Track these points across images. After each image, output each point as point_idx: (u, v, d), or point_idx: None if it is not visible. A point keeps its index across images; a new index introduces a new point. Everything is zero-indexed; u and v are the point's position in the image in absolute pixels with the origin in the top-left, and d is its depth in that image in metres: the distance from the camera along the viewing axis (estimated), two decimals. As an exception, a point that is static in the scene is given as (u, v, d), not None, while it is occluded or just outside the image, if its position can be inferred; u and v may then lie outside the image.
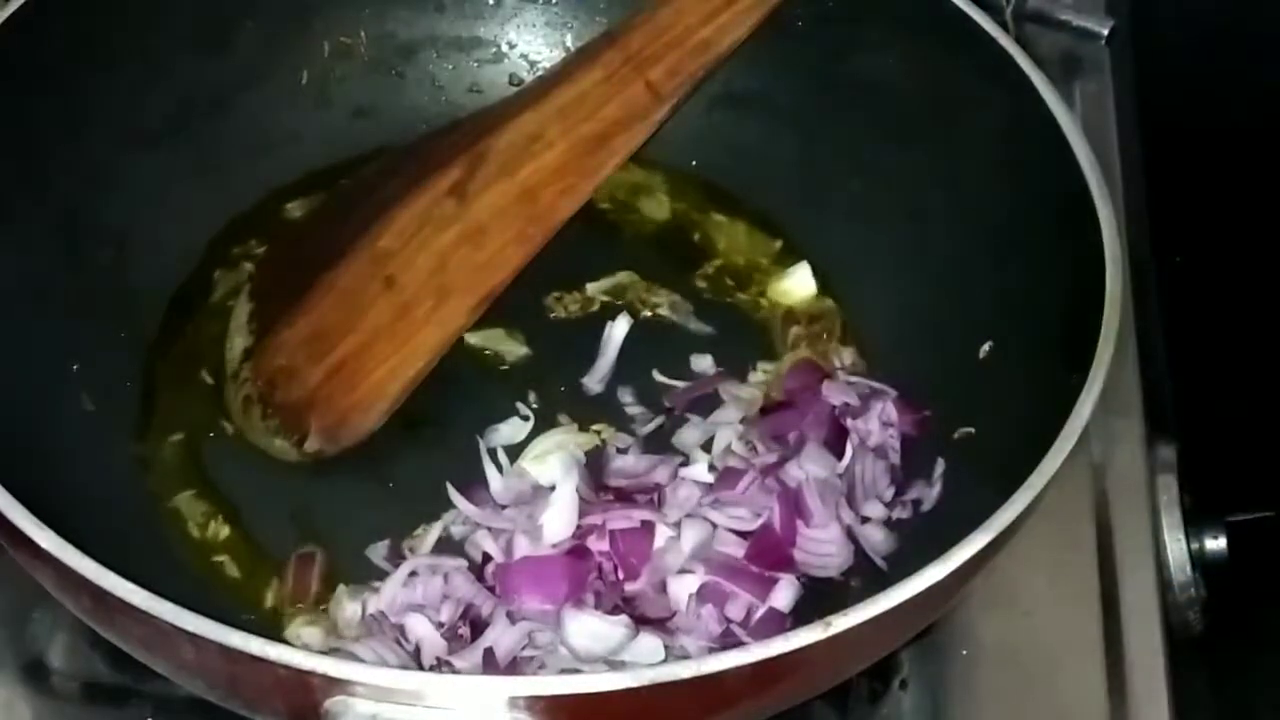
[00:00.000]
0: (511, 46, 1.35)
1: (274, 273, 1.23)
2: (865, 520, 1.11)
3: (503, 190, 1.19)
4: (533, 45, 1.35)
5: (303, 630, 1.07)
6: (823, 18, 1.26)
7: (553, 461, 1.13)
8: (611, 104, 1.20)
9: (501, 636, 1.03)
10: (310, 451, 1.15)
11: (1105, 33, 1.41)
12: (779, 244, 1.29)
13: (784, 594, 1.06)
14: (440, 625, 1.04)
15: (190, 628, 0.88)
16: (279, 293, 1.20)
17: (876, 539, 1.10)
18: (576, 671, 1.01)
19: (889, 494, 1.12)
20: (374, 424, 1.15)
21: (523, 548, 1.07)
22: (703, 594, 1.06)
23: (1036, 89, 1.15)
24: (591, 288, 1.26)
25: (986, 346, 1.15)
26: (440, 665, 1.02)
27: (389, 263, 1.18)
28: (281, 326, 1.18)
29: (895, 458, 1.13)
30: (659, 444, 1.16)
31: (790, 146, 1.29)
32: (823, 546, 1.09)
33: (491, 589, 1.06)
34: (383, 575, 1.08)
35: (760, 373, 1.21)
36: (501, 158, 1.20)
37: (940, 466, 1.12)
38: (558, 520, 1.07)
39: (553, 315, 1.25)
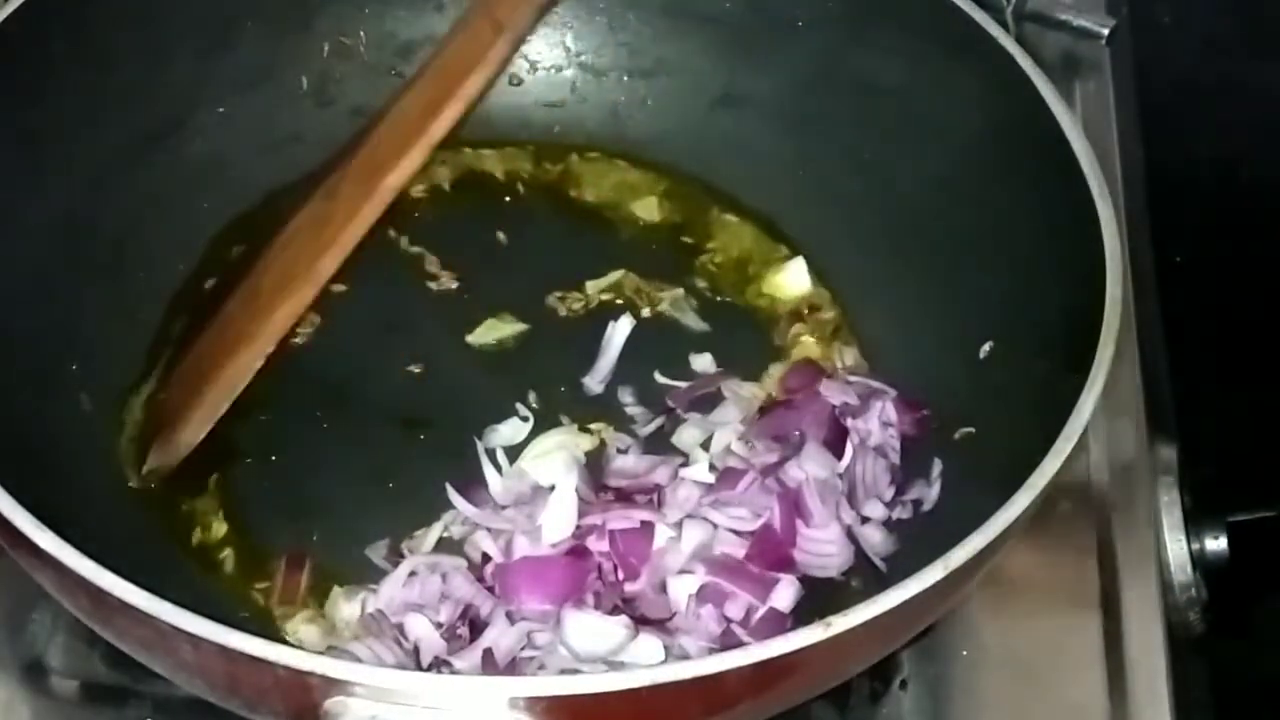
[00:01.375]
0: (511, 46, 1.36)
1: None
2: (865, 520, 1.11)
3: (355, 171, 1.22)
4: (533, 45, 1.35)
5: (301, 629, 1.07)
6: (823, 18, 1.26)
7: (552, 462, 1.13)
8: (455, 44, 1.24)
9: (501, 637, 1.03)
10: (151, 472, 1.14)
11: (1105, 32, 1.41)
12: (779, 243, 1.29)
13: (784, 594, 1.06)
14: (439, 625, 1.04)
15: (189, 628, 0.88)
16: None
17: (876, 539, 1.10)
18: (576, 672, 1.01)
19: (889, 494, 1.12)
20: (209, 424, 1.15)
21: (522, 548, 1.07)
22: (703, 594, 1.05)
23: (1036, 89, 1.15)
24: (591, 286, 1.26)
25: (987, 347, 1.15)
26: (439, 665, 1.02)
27: (262, 278, 1.20)
28: (180, 363, 1.18)
29: (895, 457, 1.13)
30: (659, 444, 1.16)
31: (790, 146, 1.29)
32: (823, 546, 1.09)
33: (491, 589, 1.06)
34: (382, 575, 1.08)
35: (770, 374, 1.21)
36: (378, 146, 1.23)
37: (939, 466, 1.12)
38: (557, 520, 1.07)
39: (554, 314, 1.24)
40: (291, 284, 1.18)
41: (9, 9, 1.14)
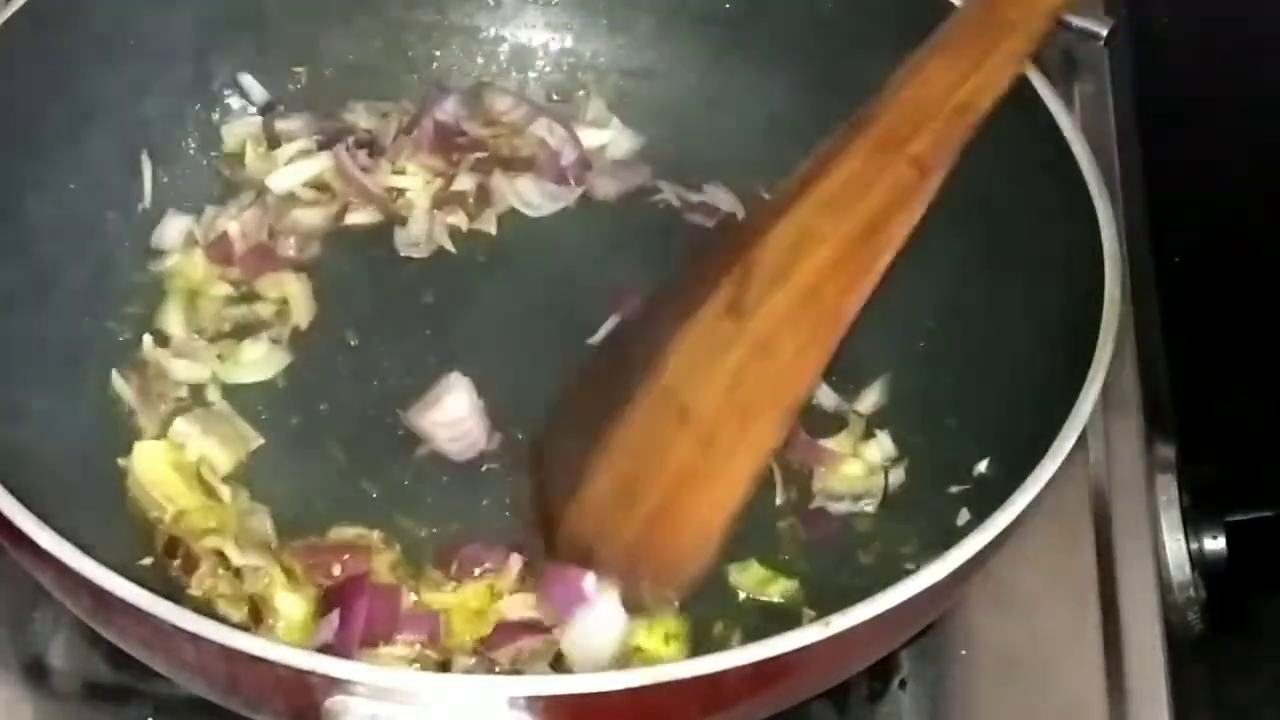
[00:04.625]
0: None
1: (555, 441, 1.16)
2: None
3: (782, 297, 1.11)
4: (534, 47, 1.35)
5: None
6: (821, 20, 1.26)
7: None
8: (876, 188, 1.12)
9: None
10: (653, 604, 1.08)
11: (1104, 33, 1.40)
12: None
13: None
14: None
15: (190, 627, 0.89)
16: (568, 454, 1.13)
17: None
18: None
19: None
20: (707, 564, 1.09)
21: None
22: None
23: (1036, 89, 1.15)
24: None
25: (983, 464, 1.13)
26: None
27: (678, 396, 1.10)
28: (582, 488, 1.11)
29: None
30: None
31: (788, 149, 1.29)
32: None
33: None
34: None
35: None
36: (772, 267, 1.11)
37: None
38: None
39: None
40: (755, 418, 1.09)
41: (11, 8, 1.14)
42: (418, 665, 1.04)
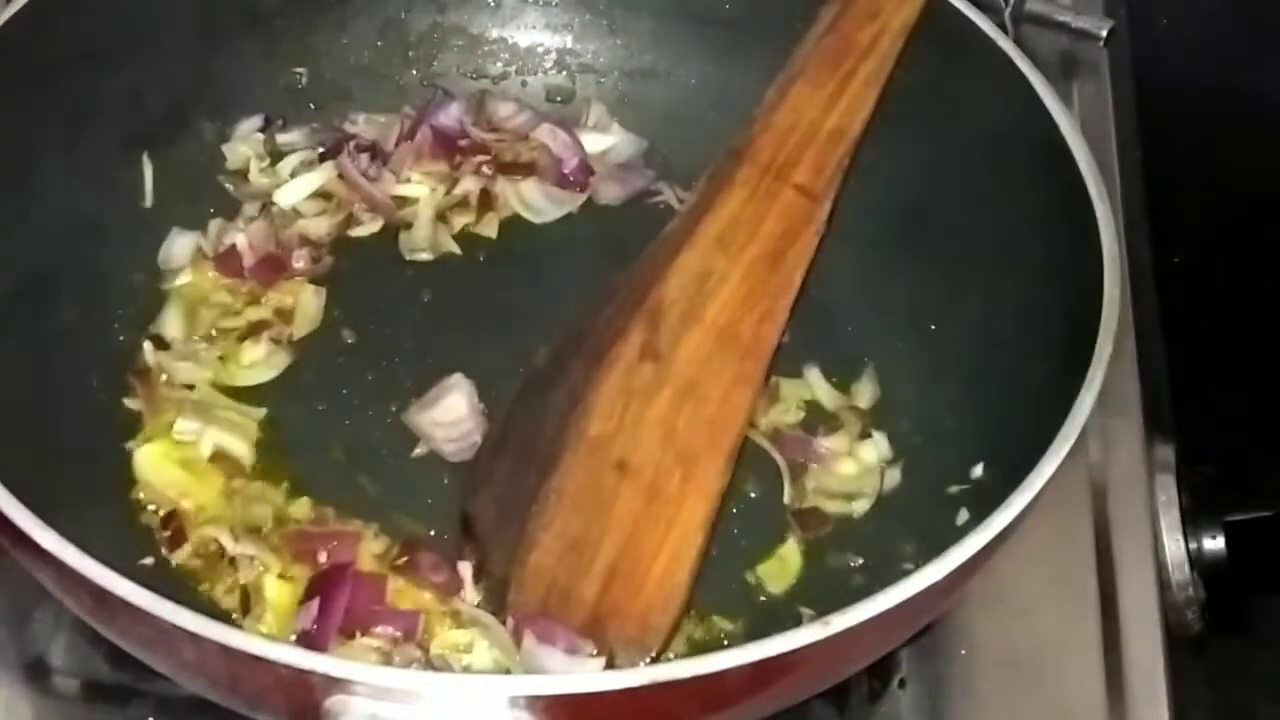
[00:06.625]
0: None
1: (487, 502, 1.11)
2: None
3: (698, 338, 1.12)
4: (534, 47, 1.35)
5: None
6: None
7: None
8: (769, 219, 1.14)
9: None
10: (630, 666, 1.03)
11: (1103, 34, 1.41)
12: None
13: None
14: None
15: (190, 627, 0.89)
16: (503, 520, 1.09)
17: None
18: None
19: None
20: (676, 618, 1.05)
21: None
22: None
23: (1035, 90, 1.15)
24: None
25: (979, 468, 1.13)
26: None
27: (611, 448, 1.08)
28: (526, 553, 1.06)
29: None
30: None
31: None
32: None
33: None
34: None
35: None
36: (679, 306, 1.13)
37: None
38: None
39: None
40: (698, 463, 1.08)
41: (10, 9, 1.14)
42: (394, 661, 1.04)
